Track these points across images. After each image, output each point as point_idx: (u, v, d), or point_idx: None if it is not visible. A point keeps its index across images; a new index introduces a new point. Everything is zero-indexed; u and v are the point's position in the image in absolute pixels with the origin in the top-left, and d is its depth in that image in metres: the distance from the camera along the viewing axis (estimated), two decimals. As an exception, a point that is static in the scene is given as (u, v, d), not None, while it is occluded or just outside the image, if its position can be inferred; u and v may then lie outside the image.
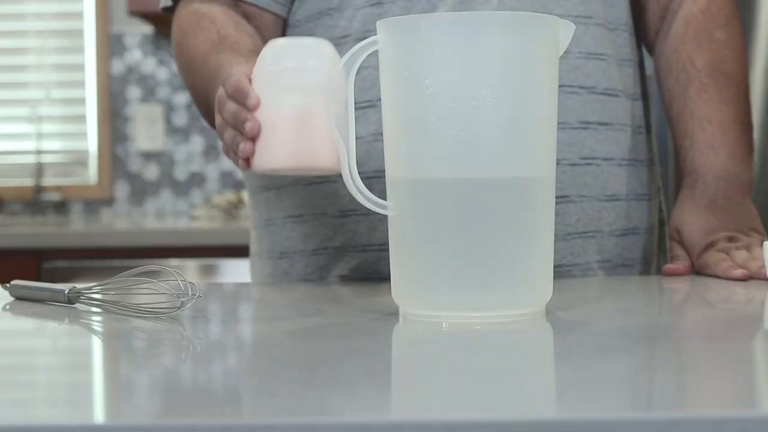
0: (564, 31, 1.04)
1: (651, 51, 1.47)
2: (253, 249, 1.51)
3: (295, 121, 1.10)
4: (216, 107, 1.18)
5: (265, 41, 1.39)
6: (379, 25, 1.03)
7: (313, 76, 1.10)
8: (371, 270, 1.34)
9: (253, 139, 1.12)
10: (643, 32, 1.46)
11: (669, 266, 1.34)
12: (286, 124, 1.10)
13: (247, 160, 1.13)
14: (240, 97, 1.13)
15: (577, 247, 1.34)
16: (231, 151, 1.16)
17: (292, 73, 1.11)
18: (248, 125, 1.11)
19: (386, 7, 1.34)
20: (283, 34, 1.43)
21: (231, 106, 1.14)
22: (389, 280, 1.04)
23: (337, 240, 1.36)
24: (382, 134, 1.30)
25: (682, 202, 1.38)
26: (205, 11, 1.39)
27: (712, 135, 1.37)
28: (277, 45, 1.13)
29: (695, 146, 1.37)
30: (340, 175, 1.05)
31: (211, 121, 1.35)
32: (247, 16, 1.41)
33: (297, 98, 1.10)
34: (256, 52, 1.31)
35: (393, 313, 1.05)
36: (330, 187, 1.35)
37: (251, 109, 1.12)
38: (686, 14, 1.41)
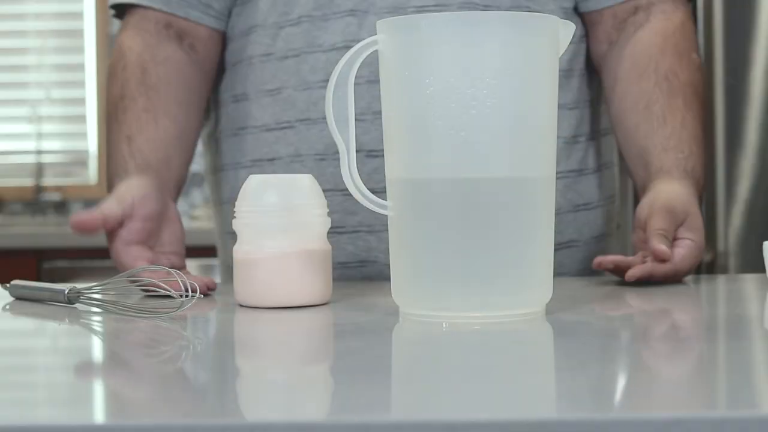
0: (564, 31, 1.04)
1: (601, 61, 1.44)
2: None
3: (275, 262, 1.10)
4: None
5: (197, 62, 1.43)
6: (379, 24, 1.03)
7: (295, 216, 1.11)
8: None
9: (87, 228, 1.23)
10: (593, 45, 1.44)
11: (631, 272, 1.24)
12: (266, 264, 1.10)
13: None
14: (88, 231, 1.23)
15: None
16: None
17: (274, 214, 1.11)
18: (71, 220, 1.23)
19: (327, 23, 1.37)
20: (224, 48, 1.45)
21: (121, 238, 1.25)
22: (387, 281, 1.04)
23: None
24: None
25: (692, 198, 1.30)
26: (126, 48, 1.41)
27: (703, 158, 1.35)
28: (259, 181, 1.13)
29: (694, 158, 1.33)
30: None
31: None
32: (180, 35, 1.42)
33: (278, 239, 1.11)
34: (142, 115, 1.37)
35: (393, 313, 1.05)
36: None
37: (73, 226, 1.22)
38: (661, 29, 1.40)
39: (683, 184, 1.31)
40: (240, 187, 1.14)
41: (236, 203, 1.13)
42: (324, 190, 1.15)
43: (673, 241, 1.24)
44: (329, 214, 1.14)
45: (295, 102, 1.37)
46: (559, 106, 1.38)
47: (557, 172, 1.37)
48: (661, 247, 1.21)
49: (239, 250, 1.12)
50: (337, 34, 1.35)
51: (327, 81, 1.03)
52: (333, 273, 1.36)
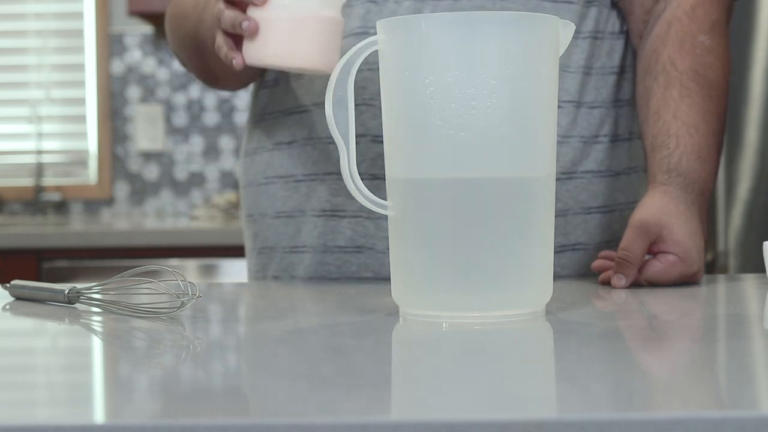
0: (564, 31, 1.04)
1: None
2: (246, 244, 1.52)
3: (287, 22, 1.17)
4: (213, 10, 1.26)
5: None
6: (379, 24, 1.03)
7: None
8: (337, 271, 1.36)
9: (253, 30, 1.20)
10: (633, 40, 1.43)
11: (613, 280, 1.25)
12: (279, 23, 1.17)
13: (240, 57, 1.21)
14: None
15: None
16: (226, 36, 1.21)
17: None
18: (245, 24, 1.20)
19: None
20: None
21: None
22: (384, 270, 1.05)
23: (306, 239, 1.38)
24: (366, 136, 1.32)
25: (676, 203, 1.28)
26: None
27: (700, 146, 1.30)
28: None
29: (681, 149, 1.29)
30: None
31: (197, 70, 1.46)
32: None
33: (294, 1, 1.17)
34: None
35: (393, 313, 1.05)
36: (310, 185, 1.37)
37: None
38: (670, 16, 1.36)
39: (664, 190, 1.28)
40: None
41: None
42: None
43: (655, 255, 1.24)
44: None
45: (313, 86, 1.38)
46: (579, 105, 1.38)
47: (571, 172, 1.36)
48: (613, 281, 1.23)
49: (256, 10, 1.19)
50: (357, 20, 1.36)
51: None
52: (330, 259, 1.36)
